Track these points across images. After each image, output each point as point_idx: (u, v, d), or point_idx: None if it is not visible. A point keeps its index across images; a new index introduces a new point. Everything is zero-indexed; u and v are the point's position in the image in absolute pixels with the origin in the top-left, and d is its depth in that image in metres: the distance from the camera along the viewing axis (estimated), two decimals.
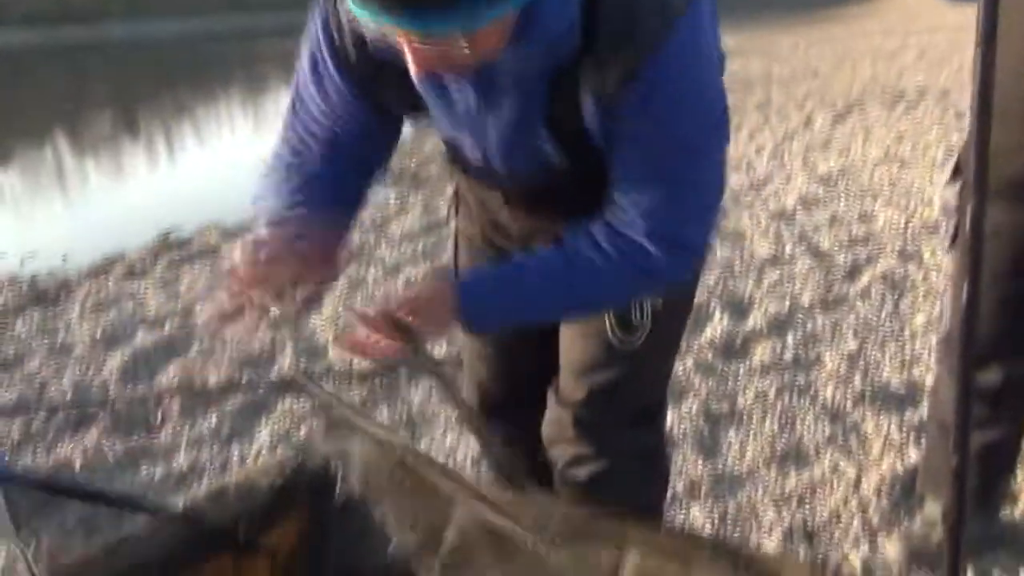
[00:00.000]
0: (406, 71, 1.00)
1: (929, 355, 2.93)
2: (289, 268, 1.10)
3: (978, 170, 1.45)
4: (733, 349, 3.12)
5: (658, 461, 1.56)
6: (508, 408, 1.63)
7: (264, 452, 2.62)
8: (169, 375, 3.21)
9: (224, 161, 8.85)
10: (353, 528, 1.62)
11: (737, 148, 6.38)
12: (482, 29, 0.90)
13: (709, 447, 2.49)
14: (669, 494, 2.23)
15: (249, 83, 16.00)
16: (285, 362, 3.26)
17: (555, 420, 1.47)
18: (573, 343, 1.42)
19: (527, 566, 1.40)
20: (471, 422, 1.12)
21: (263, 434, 2.75)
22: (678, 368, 2.95)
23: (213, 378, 3.16)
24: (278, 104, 12.75)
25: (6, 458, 2.67)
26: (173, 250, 5.07)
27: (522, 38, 0.97)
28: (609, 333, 1.36)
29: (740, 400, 2.73)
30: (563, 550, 1.35)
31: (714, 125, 1.11)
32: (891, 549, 1.92)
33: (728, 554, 1.25)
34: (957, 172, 1.77)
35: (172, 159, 9.55)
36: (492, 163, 1.22)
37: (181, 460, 2.60)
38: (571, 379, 1.42)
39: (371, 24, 0.92)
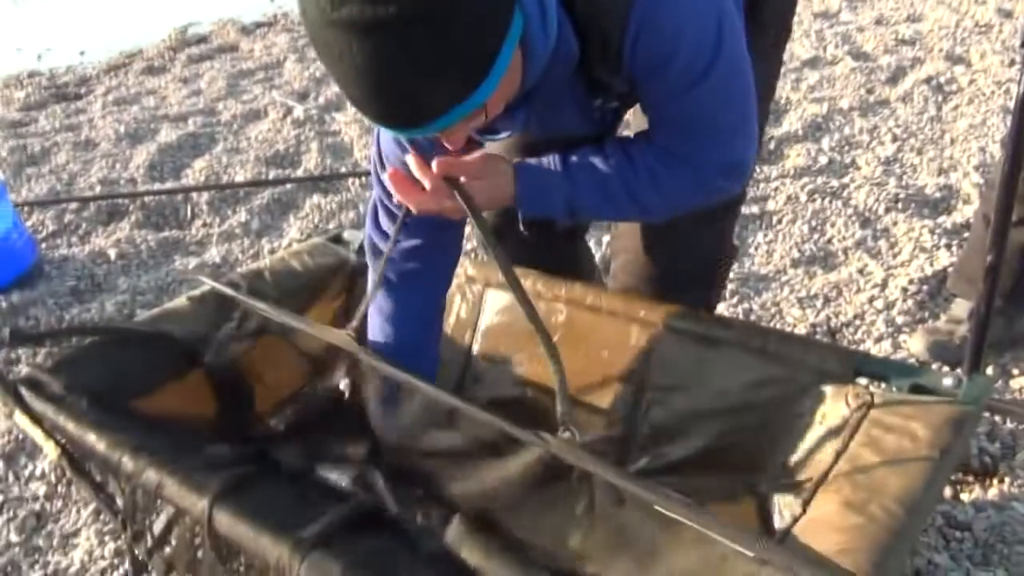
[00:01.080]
0: None
1: (968, 161, 2.85)
2: None
3: None
4: (767, 152, 3.05)
5: (724, 266, 1.56)
6: None
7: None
8: (196, 171, 3.21)
9: None
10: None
11: None
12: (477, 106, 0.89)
13: (738, 249, 2.48)
14: None
15: None
16: (311, 159, 3.24)
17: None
18: None
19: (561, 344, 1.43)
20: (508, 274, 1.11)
21: (293, 229, 2.77)
22: None
23: (240, 175, 3.15)
24: None
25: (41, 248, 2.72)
26: (191, 46, 4.94)
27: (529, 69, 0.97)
28: None
29: (771, 203, 2.70)
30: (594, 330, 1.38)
31: (716, 41, 1.02)
32: (914, 344, 1.95)
33: (757, 335, 1.26)
34: None
35: None
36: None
37: (213, 252, 2.64)
38: None
39: None
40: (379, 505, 1.22)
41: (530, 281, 1.47)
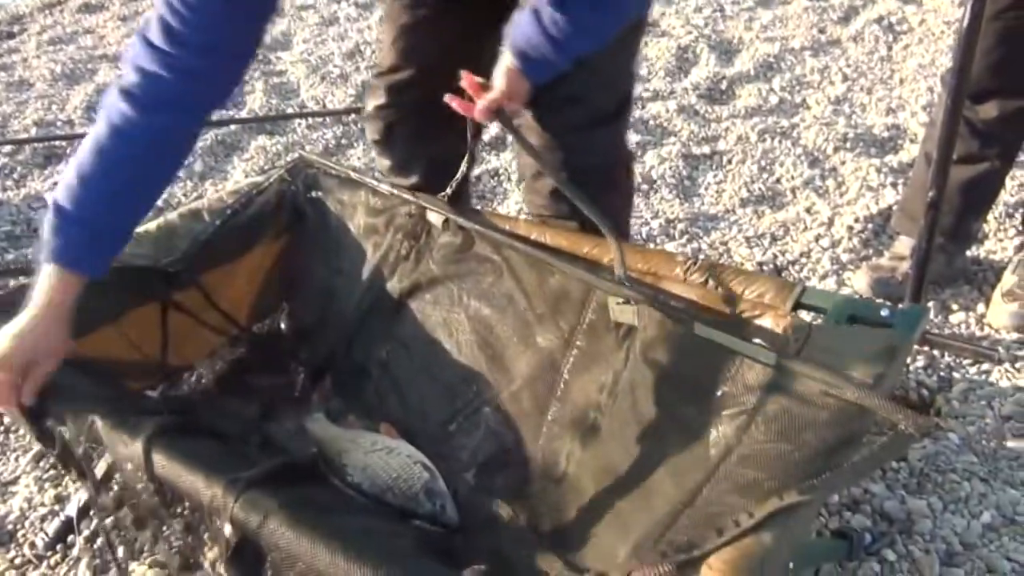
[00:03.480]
0: None
1: (916, 101, 2.87)
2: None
3: None
4: (718, 92, 3.04)
5: (621, 167, 1.55)
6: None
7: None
8: None
9: None
10: (326, 249, 1.62)
11: None
12: None
13: (687, 189, 2.48)
14: (645, 231, 2.26)
15: None
16: (255, 100, 3.15)
17: (524, 127, 1.43)
18: None
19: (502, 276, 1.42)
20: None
21: (236, 171, 2.70)
22: (660, 110, 2.89)
23: None
24: None
25: None
26: None
27: None
28: None
29: (721, 143, 2.69)
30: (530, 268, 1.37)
31: None
32: (857, 281, 1.97)
33: (699, 269, 1.26)
34: None
35: None
36: None
37: None
38: None
39: None
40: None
41: (472, 220, 1.45)
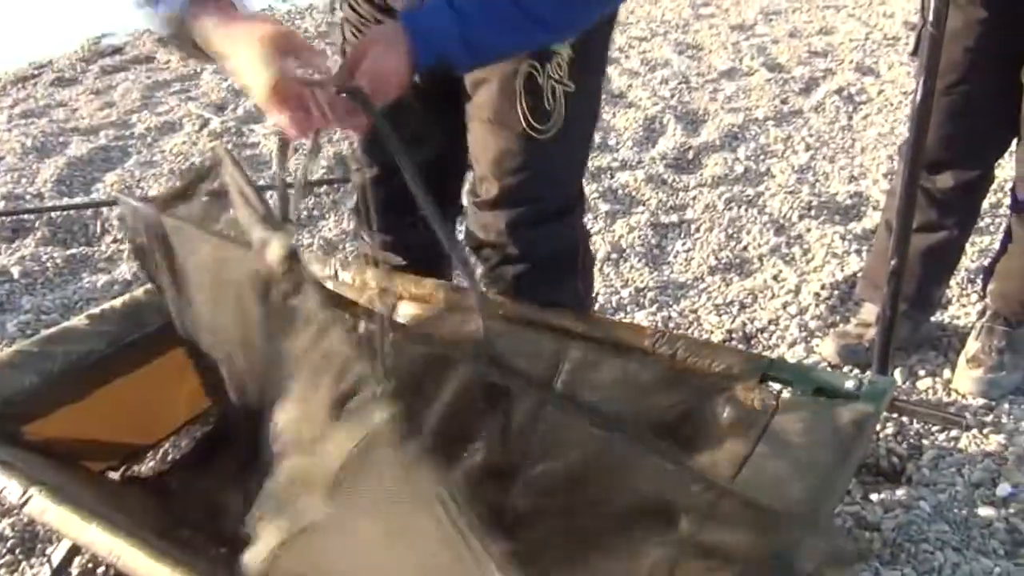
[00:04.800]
0: None
1: (877, 169, 2.94)
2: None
3: None
4: (685, 162, 3.10)
5: (581, 255, 1.57)
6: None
7: None
8: (107, 185, 3.10)
9: None
10: None
11: None
12: None
13: (656, 257, 2.51)
14: (615, 300, 2.27)
15: None
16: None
17: (476, 223, 1.45)
18: (487, 140, 1.37)
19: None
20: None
21: None
22: (629, 180, 2.93)
23: (153, 189, 3.06)
24: None
25: None
26: (105, 56, 4.80)
27: None
28: (523, 123, 1.32)
29: (689, 212, 2.74)
30: (506, 338, 1.37)
31: None
32: (825, 348, 1.99)
33: (670, 342, 1.27)
34: None
35: None
36: None
37: (123, 269, 2.55)
38: (487, 177, 1.39)
39: None
40: None
41: (442, 293, 1.45)
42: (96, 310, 1.54)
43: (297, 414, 0.92)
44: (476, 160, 1.42)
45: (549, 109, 1.33)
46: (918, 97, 1.53)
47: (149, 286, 1.60)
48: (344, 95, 1.05)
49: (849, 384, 1.15)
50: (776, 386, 1.21)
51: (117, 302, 1.54)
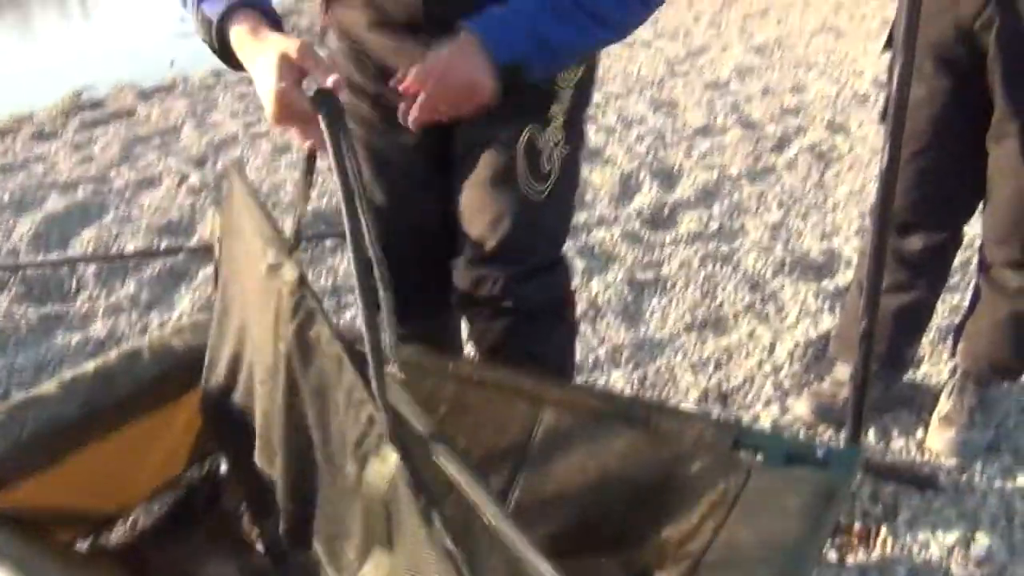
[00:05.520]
0: None
1: (849, 226, 2.99)
2: None
3: (907, 30, 1.44)
4: (661, 218, 3.13)
5: (567, 308, 1.60)
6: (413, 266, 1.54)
7: (185, 319, 2.57)
8: (84, 241, 3.09)
9: (142, 16, 8.30)
10: None
11: (676, 15, 6.24)
12: None
13: (632, 314, 2.53)
14: (592, 358, 2.28)
15: None
16: (205, 229, 3.17)
17: (469, 279, 1.46)
18: (484, 201, 1.39)
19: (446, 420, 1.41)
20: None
21: (184, 301, 2.69)
22: (605, 236, 2.96)
23: (130, 245, 3.05)
24: None
25: None
26: (85, 110, 4.81)
27: None
28: (523, 186, 1.36)
29: (665, 269, 2.76)
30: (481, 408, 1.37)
31: None
32: (800, 407, 2.00)
33: (642, 409, 1.28)
34: (891, 43, 1.74)
35: (85, 13, 8.94)
36: None
37: (99, 327, 2.54)
38: (485, 236, 1.41)
39: None
40: None
41: (417, 358, 1.45)
42: (67, 375, 1.52)
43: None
44: (470, 222, 1.43)
45: (547, 171, 1.38)
46: (883, 165, 1.57)
47: (121, 348, 1.60)
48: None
49: (820, 453, 1.16)
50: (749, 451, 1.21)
51: (89, 366, 1.53)
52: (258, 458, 1.28)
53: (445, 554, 0.81)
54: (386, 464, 0.93)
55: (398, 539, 0.94)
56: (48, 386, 1.49)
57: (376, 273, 1.05)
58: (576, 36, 1.21)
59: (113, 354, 1.58)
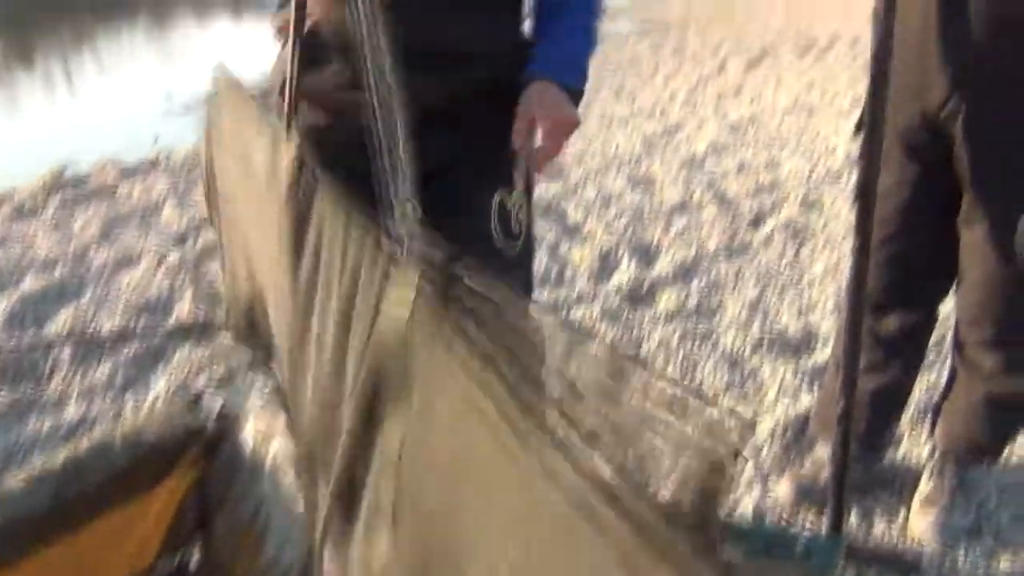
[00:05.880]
0: None
1: (825, 303, 3.03)
2: None
3: (871, 123, 1.48)
4: (639, 295, 3.16)
5: None
6: None
7: (161, 402, 2.54)
8: (60, 322, 3.07)
9: (125, 94, 8.41)
10: (242, 480, 1.58)
11: (652, 93, 6.40)
12: None
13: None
14: None
15: (154, 12, 15.19)
16: (183, 308, 3.16)
17: None
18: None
19: None
20: None
21: (160, 383, 2.66)
22: (585, 313, 2.98)
23: (107, 325, 3.03)
24: (184, 33, 12.15)
25: None
26: (67, 188, 4.82)
27: None
28: (495, 244, 1.40)
29: (644, 346, 2.77)
30: None
31: None
32: (781, 489, 1.99)
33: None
34: (862, 125, 1.79)
35: (70, 90, 9.04)
36: None
37: (72, 411, 2.50)
38: None
39: None
40: None
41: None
42: (37, 466, 1.49)
43: None
44: None
45: (516, 231, 1.40)
46: (855, 248, 1.59)
47: (92, 437, 1.57)
48: None
49: (800, 545, 1.15)
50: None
51: (59, 457, 1.50)
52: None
53: (485, 359, 0.70)
54: (406, 285, 0.85)
55: (417, 377, 0.83)
56: (17, 478, 1.46)
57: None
58: (592, 44, 1.38)
59: (84, 443, 1.56)
